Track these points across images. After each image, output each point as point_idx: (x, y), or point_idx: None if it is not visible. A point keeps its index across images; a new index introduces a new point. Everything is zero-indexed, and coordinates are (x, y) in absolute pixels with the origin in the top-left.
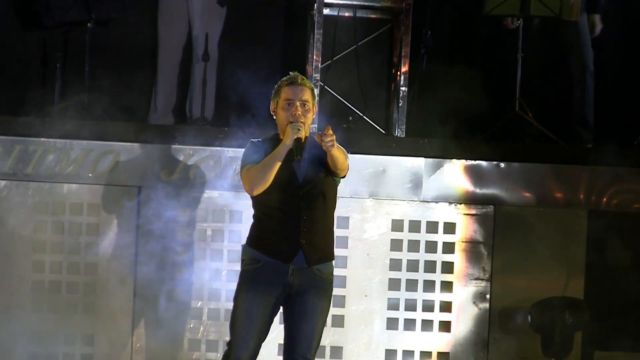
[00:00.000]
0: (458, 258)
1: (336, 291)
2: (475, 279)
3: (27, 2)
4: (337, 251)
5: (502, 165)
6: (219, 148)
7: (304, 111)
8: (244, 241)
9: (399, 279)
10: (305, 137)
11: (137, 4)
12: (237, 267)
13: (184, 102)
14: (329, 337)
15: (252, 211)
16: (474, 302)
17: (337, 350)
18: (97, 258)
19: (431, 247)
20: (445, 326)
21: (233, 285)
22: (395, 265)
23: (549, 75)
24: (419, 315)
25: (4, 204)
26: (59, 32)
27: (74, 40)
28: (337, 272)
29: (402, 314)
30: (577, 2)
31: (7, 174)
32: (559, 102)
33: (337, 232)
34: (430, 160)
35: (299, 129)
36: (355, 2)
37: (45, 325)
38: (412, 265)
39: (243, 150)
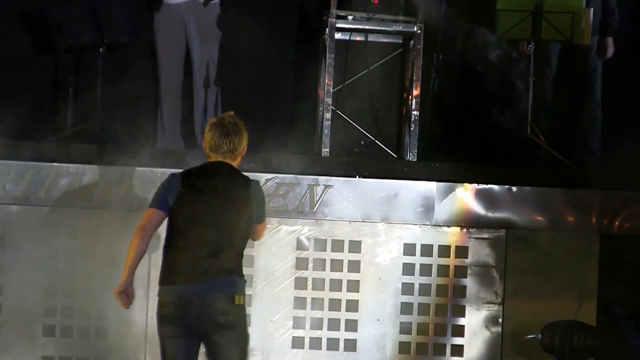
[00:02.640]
0: (470, 282)
1: (348, 315)
2: (488, 302)
3: (39, 27)
4: (350, 275)
5: (514, 189)
6: None
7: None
8: (251, 265)
9: (411, 303)
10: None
11: (149, 28)
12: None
13: (192, 126)
14: None
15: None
16: (487, 326)
17: None
18: (110, 283)
19: (443, 271)
20: (458, 350)
21: None
22: (407, 289)
23: (558, 101)
24: (431, 339)
25: (16, 228)
26: (71, 57)
27: (85, 65)
28: (350, 296)
29: (414, 338)
30: (588, 27)
31: (19, 199)
32: (567, 128)
33: (350, 256)
34: (442, 184)
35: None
36: (366, 27)
37: (58, 348)
38: (424, 290)
39: (253, 174)
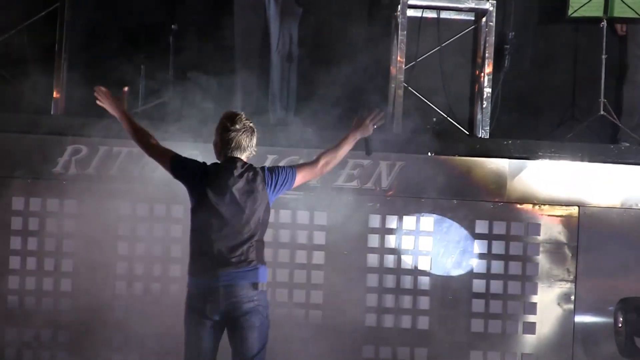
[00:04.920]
0: (542, 259)
1: (418, 294)
2: (560, 280)
3: (110, 4)
4: (421, 252)
5: (587, 166)
6: (304, 149)
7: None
8: (323, 241)
9: (483, 281)
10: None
11: (219, 5)
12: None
13: (266, 103)
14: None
15: (330, 212)
16: (559, 304)
17: None
18: (181, 258)
19: (515, 248)
20: (530, 327)
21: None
22: (479, 266)
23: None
24: (503, 316)
25: (89, 204)
26: (143, 34)
27: (157, 42)
28: (420, 273)
29: (486, 316)
30: None
31: (91, 175)
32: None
33: (423, 234)
34: (515, 161)
35: None
36: (439, 4)
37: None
38: (497, 267)
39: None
